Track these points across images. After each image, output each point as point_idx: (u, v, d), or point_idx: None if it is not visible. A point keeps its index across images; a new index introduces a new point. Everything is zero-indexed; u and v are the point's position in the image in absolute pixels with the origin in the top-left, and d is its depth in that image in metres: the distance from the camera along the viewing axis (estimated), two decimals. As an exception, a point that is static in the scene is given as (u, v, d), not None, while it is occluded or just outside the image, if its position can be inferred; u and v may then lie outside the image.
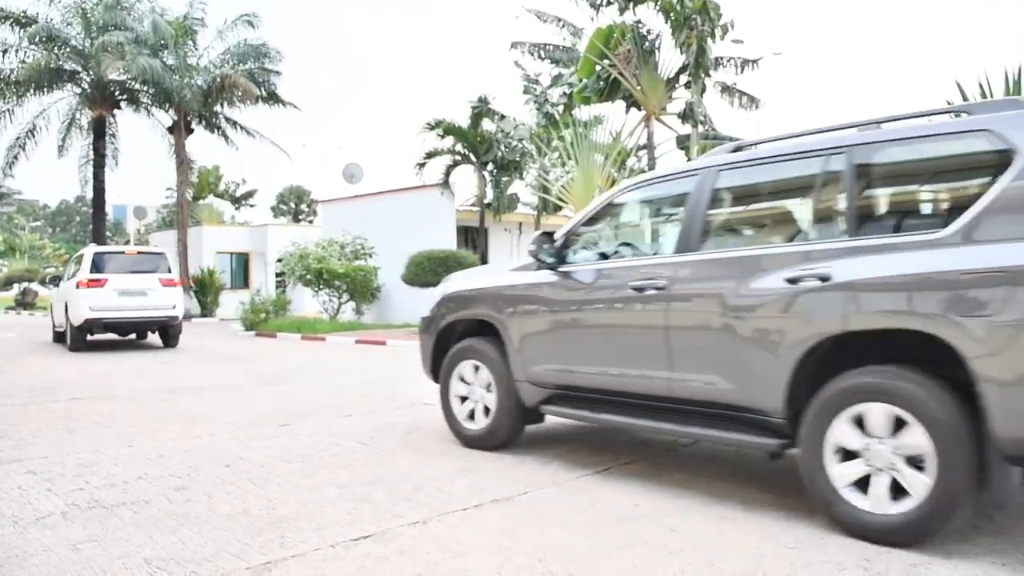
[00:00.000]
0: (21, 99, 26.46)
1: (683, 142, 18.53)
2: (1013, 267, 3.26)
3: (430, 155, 22.44)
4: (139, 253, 15.72)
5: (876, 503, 3.67)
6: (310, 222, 69.26)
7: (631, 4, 18.09)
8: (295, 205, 73.93)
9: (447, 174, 22.22)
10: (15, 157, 27.34)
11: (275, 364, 12.14)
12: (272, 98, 27.28)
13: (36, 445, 6.07)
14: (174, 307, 15.07)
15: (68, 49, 26.15)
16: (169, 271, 15.35)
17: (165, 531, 3.97)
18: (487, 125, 22.21)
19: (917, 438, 3.51)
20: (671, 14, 17.25)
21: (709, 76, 18.15)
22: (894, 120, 4.11)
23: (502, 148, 21.87)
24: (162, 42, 25.46)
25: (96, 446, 6.02)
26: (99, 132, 27.39)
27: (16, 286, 43.50)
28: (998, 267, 3.31)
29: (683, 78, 18.32)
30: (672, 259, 4.53)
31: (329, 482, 4.90)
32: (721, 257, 4.37)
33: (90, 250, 15.19)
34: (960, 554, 3.61)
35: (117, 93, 27.45)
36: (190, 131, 27.10)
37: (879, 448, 3.64)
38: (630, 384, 4.71)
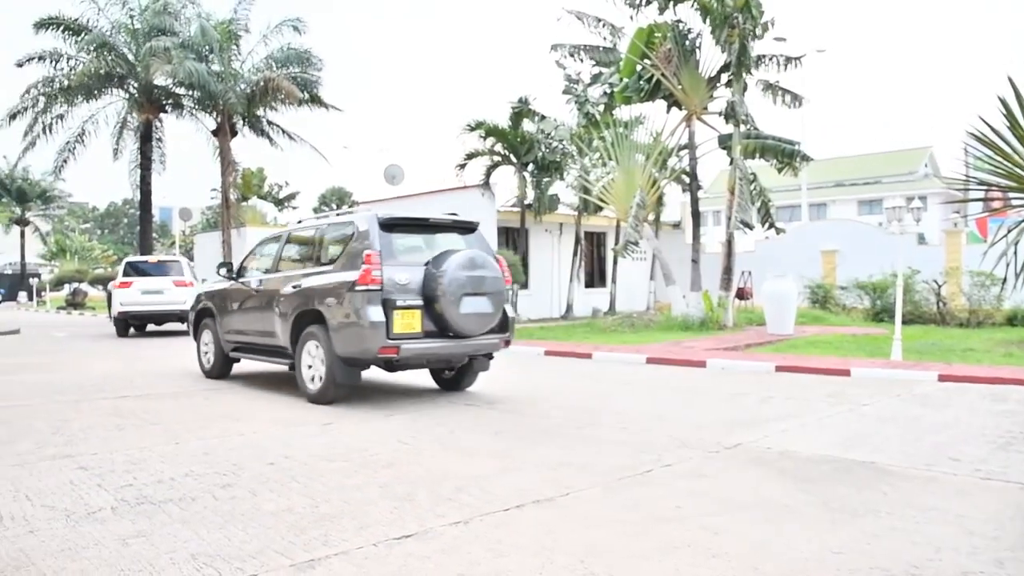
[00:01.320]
0: (72, 105, 27.24)
1: (725, 142, 18.36)
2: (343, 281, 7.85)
3: (471, 156, 22.52)
4: (159, 261, 19.99)
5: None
6: (350, 226, 69.90)
7: (671, 3, 17.96)
8: (336, 206, 74.61)
9: (488, 175, 22.28)
10: (65, 161, 28.26)
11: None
12: (314, 101, 27.60)
13: (87, 441, 6.22)
14: (184, 302, 18.07)
15: (116, 55, 26.75)
16: (182, 274, 19.24)
17: (211, 527, 4.03)
18: (527, 126, 22.19)
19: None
20: (710, 13, 17.08)
21: (751, 74, 17.95)
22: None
23: (543, 149, 21.84)
24: (207, 47, 25.93)
25: (144, 443, 6.15)
26: (146, 136, 28.01)
27: (67, 286, 44.51)
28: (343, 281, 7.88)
29: (724, 77, 18.14)
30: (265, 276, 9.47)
31: (371, 481, 4.94)
32: (279, 275, 9.19)
33: (125, 260, 20.15)
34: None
35: (163, 97, 28.03)
36: (234, 134, 27.54)
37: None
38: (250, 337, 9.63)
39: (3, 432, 6.66)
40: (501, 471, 5.20)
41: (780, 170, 18.78)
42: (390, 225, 8.10)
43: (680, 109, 18.63)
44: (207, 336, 10.56)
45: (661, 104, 18.93)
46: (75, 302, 40.03)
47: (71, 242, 56.36)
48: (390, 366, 8.25)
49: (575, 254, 23.66)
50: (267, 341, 9.18)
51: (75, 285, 42.60)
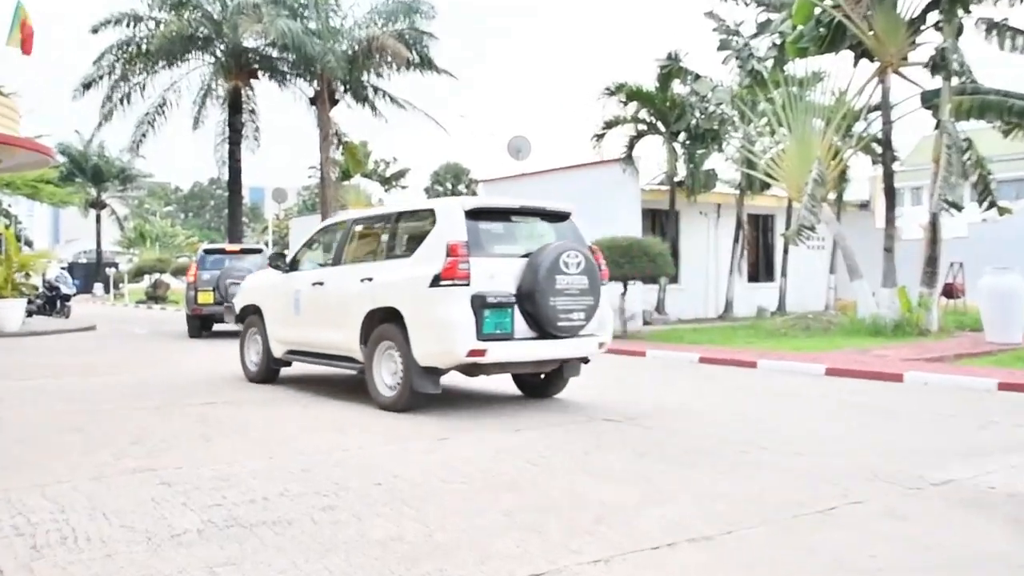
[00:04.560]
0: (151, 72, 28.74)
1: (930, 99, 17.50)
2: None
3: (610, 125, 22.42)
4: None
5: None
6: (468, 206, 70.99)
7: (860, -73, 17.30)
8: (452, 185, 75.97)
9: (630, 147, 22.13)
10: (143, 135, 29.57)
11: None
12: (425, 64, 28.03)
13: (170, 453, 6.57)
14: None
15: (200, 14, 28.07)
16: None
17: (310, 556, 4.17)
18: (678, 88, 21.88)
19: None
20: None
21: (968, 12, 17.02)
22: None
23: (696, 114, 21.49)
24: (302, 2, 26.84)
25: (234, 456, 6.44)
26: (235, 106, 29.25)
27: (147, 277, 46.93)
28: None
29: (931, 16, 17.29)
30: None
31: (493, 506, 5.00)
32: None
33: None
34: None
35: (254, 61, 29.21)
36: (334, 102, 28.40)
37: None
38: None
39: (78, 441, 7.13)
40: (647, 500, 5.17)
41: (1006, 133, 17.74)
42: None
43: (871, 61, 17.90)
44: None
45: (846, 56, 18.22)
46: (156, 295, 42.32)
47: (151, 227, 59.50)
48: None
49: (736, 241, 23.21)
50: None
51: (156, 276, 44.84)
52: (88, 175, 58.13)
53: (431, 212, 8.78)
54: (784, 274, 23.68)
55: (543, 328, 8.34)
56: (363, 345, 8.98)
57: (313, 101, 28.27)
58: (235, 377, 11.48)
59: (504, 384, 10.36)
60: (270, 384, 10.74)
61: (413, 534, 4.49)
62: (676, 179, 22.13)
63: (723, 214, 23.98)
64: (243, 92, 29.51)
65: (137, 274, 48.26)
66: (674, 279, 22.08)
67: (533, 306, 8.24)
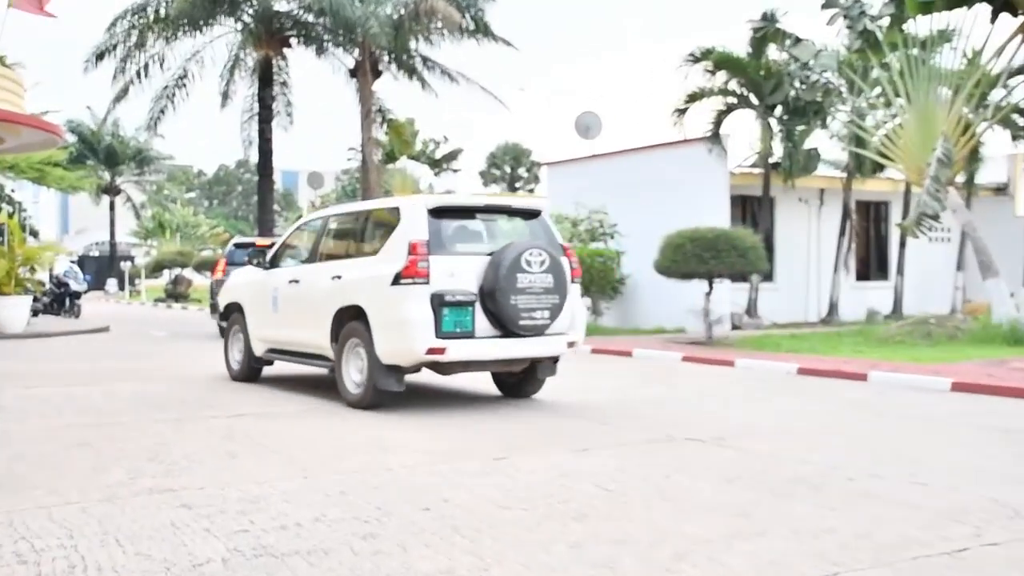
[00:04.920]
0: (170, 39, 29.07)
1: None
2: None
3: (694, 97, 22.28)
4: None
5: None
6: (530, 191, 71.04)
7: None
8: (511, 169, 76.23)
9: (717, 123, 21.98)
10: (162, 111, 30.04)
11: (487, 377, 12.56)
12: (480, 30, 28.05)
13: (192, 472, 6.68)
14: None
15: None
16: None
17: (348, 590, 4.20)
18: (774, 54, 21.71)
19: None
20: None
21: None
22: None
23: (796, 85, 21.26)
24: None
25: (263, 475, 6.52)
26: (265, 78, 29.53)
27: (166, 272, 47.66)
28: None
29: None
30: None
31: (559, 538, 5.00)
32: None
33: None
34: None
35: (287, 27, 29.47)
36: (377, 74, 28.58)
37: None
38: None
39: (88, 457, 7.29)
40: (737, 534, 5.12)
41: None
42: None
43: (1014, 14, 17.44)
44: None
45: (981, 10, 17.81)
46: (176, 292, 43.06)
47: (171, 216, 60.57)
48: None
49: (842, 233, 22.95)
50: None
51: (176, 271, 45.54)
52: (101, 157, 59.14)
53: (397, 210, 10.03)
54: (900, 271, 23.38)
55: (506, 327, 9.46)
56: (334, 343, 10.21)
57: (353, 73, 28.49)
58: (266, 387, 11.66)
59: (569, 400, 10.36)
60: (304, 395, 10.89)
61: (466, 568, 4.50)
62: (771, 160, 21.94)
63: (827, 201, 23.75)
64: (274, 63, 29.72)
65: (155, 269, 48.95)
66: (768, 277, 21.94)
67: (495, 304, 9.34)
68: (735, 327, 20.68)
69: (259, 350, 11.94)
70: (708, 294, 17.57)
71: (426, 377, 11.68)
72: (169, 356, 16.18)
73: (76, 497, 5.86)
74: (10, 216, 30.12)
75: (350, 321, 9.87)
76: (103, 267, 60.38)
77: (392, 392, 9.64)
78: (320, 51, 29.85)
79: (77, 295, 28.34)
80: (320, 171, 39.58)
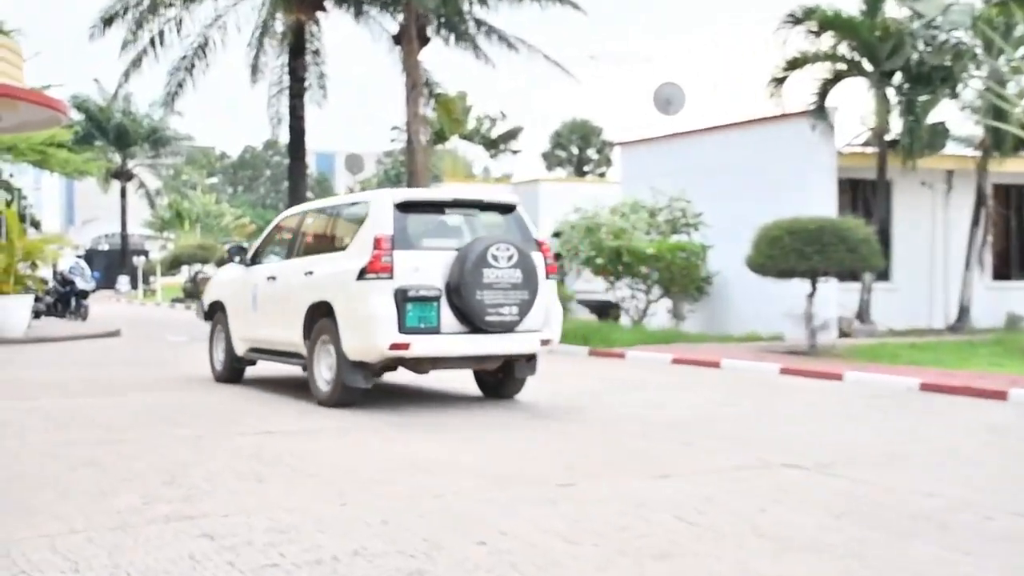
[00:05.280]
0: (189, 2, 29.21)
1: None
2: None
3: (794, 64, 22.03)
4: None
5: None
6: (601, 175, 70.87)
7: None
8: (578, 150, 76.16)
9: (823, 94, 21.74)
10: (180, 85, 30.12)
11: (550, 389, 12.59)
12: (544, -9, 27.93)
13: (214, 496, 6.73)
14: None
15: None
16: None
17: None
18: (892, 10, 21.41)
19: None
20: None
21: None
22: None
23: (920, 47, 20.95)
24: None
25: (295, 501, 6.55)
26: (296, 48, 29.52)
27: (184, 269, 48.08)
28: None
29: None
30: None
31: (636, 581, 4.96)
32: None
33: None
34: None
35: (322, -13, 29.54)
36: (425, 41, 28.42)
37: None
38: None
39: (96, 478, 7.37)
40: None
41: None
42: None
43: None
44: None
45: None
46: (196, 292, 43.37)
47: (191, 204, 61.23)
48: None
49: (975, 223, 22.51)
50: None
51: (197, 267, 45.86)
52: (110, 137, 59.90)
53: (366, 204, 11.30)
54: (1048, 269, 22.95)
55: (472, 322, 10.55)
56: (306, 340, 11.41)
57: (397, 40, 28.37)
58: (300, 400, 11.73)
59: (645, 417, 10.32)
60: (344, 408, 10.95)
61: (529, 614, 4.49)
62: (888, 137, 21.63)
63: (957, 185, 23.35)
64: (307, 29, 29.64)
65: (173, 265, 49.35)
66: (883, 275, 21.65)
67: (460, 300, 10.43)
68: (843, 334, 20.39)
69: (240, 349, 13.25)
70: (811, 295, 17.35)
71: (472, 391, 11.77)
72: (188, 364, 16.30)
73: (82, 524, 5.92)
74: (8, 205, 30.58)
75: (321, 318, 11.04)
76: (113, 263, 61.21)
77: (360, 390, 10.79)
78: (359, 14, 29.79)
79: (84, 295, 28.71)
80: (359, 153, 39.76)
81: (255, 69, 30.75)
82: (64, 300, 28.74)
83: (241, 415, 10.68)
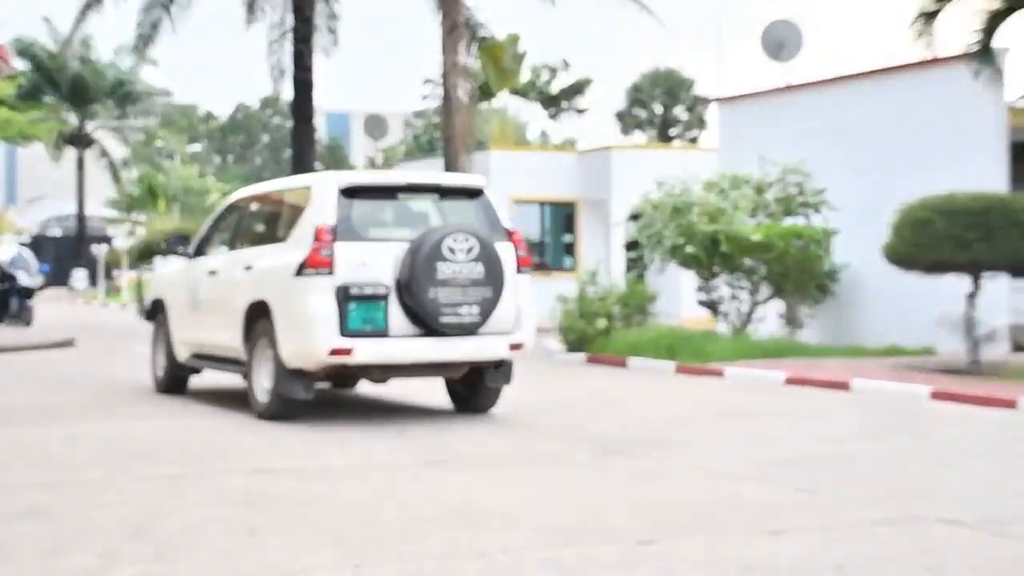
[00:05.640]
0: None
1: None
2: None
3: (946, -3, 21.89)
4: None
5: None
6: (692, 140, 70.71)
7: None
8: (663, 108, 75.93)
9: (988, 31, 21.46)
10: (154, 25, 30.41)
11: (625, 418, 12.55)
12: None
13: (192, 554, 6.66)
14: None
15: None
16: None
17: None
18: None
19: None
20: None
21: None
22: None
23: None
24: None
25: (296, 562, 6.47)
26: (304, -16, 29.62)
27: (159, 260, 48.40)
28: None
29: None
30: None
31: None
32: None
33: None
34: None
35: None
36: (467, -32, 28.49)
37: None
38: None
39: (43, 533, 7.31)
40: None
41: None
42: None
43: None
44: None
45: None
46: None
47: (166, 178, 61.51)
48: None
49: None
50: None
51: (173, 259, 46.25)
52: (64, 92, 60.34)
53: (308, 189, 12.18)
54: None
55: (426, 324, 11.34)
56: (247, 343, 12.23)
57: (431, -33, 28.45)
58: (307, 429, 11.72)
59: (748, 454, 10.25)
60: (359, 441, 10.96)
61: None
62: (1076, 89, 21.39)
63: None
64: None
65: (143, 255, 49.62)
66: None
67: (411, 298, 11.21)
68: (1018, 347, 20.18)
69: (182, 355, 14.22)
70: (972, 296, 17.21)
71: (516, 417, 11.72)
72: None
73: (22, 593, 5.91)
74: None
75: (261, 318, 11.81)
76: (66, 253, 61.76)
77: (301, 402, 11.61)
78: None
79: (28, 293, 28.83)
80: (382, 114, 39.79)
81: (251, 6, 30.86)
82: (2, 300, 28.87)
83: (229, 450, 10.65)
